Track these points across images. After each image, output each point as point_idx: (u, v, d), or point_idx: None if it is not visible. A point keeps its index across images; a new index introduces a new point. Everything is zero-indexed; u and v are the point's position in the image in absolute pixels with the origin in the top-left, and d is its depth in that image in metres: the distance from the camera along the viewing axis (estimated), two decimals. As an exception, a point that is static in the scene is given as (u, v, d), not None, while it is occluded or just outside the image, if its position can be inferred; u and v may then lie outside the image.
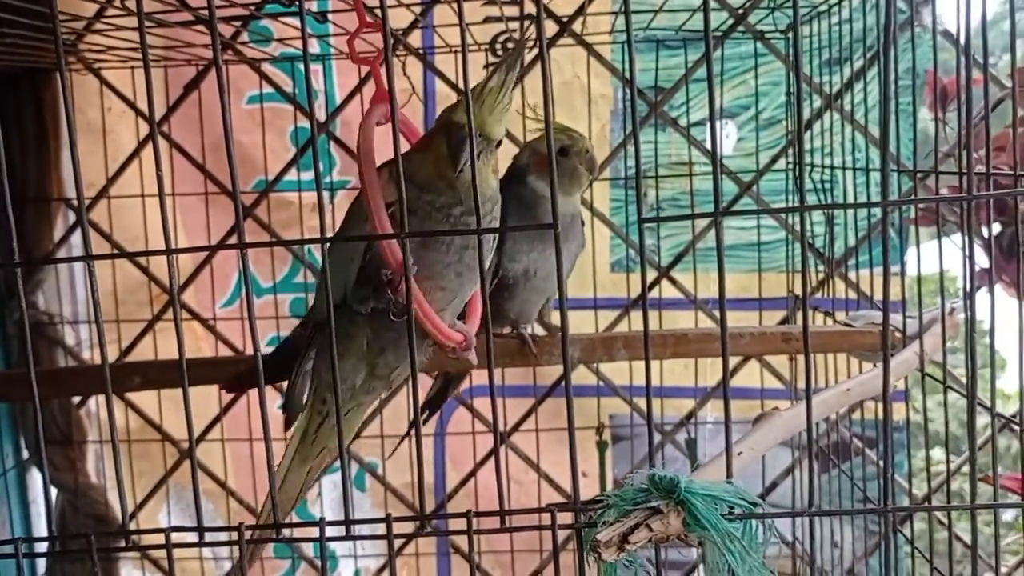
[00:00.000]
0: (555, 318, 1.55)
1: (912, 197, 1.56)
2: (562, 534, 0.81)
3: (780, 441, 0.91)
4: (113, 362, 1.91)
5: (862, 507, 1.76)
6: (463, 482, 2.08)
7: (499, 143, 0.94)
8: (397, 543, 0.77)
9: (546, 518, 0.80)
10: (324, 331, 0.97)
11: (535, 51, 1.83)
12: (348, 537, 0.79)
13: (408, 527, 0.79)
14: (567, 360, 0.79)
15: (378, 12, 0.76)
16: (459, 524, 0.79)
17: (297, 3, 1.50)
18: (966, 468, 1.19)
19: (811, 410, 0.74)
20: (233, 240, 1.88)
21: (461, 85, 1.45)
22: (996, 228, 1.83)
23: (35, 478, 2.10)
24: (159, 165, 0.75)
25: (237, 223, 0.75)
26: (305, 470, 1.09)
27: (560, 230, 1.22)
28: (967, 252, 0.77)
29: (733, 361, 1.94)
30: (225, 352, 2.01)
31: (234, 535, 0.78)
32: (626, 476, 0.78)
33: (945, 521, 1.61)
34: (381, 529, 0.79)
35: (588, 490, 2.15)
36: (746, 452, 0.86)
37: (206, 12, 1.55)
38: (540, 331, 1.51)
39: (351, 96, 1.96)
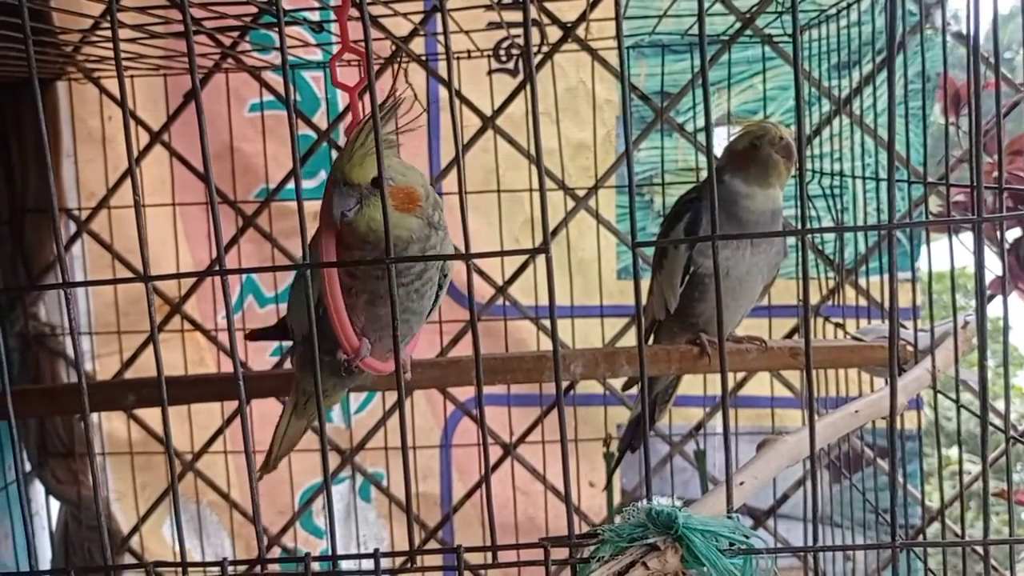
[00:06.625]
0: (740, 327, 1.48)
1: (919, 216, 1.52)
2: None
3: (785, 468, 0.88)
4: (112, 379, 1.90)
5: (874, 518, 1.73)
6: (468, 494, 2.06)
7: (379, 184, 0.91)
8: (398, 561, 0.76)
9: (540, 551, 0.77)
10: (302, 344, 1.16)
11: (539, 56, 1.80)
12: (333, 573, 0.77)
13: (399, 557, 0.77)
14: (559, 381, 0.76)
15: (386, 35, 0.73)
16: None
17: (286, 16, 1.47)
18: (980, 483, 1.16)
19: (815, 443, 0.71)
20: (231, 264, 1.85)
21: (463, 92, 1.44)
22: (1017, 233, 1.79)
23: (37, 491, 2.08)
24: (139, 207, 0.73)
25: (218, 253, 0.72)
26: (302, 424, 1.24)
27: (752, 227, 1.33)
28: (978, 275, 0.74)
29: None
30: (227, 362, 2.00)
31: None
32: (623, 508, 0.75)
33: (959, 530, 1.57)
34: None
35: (596, 500, 2.13)
36: (748, 482, 0.82)
37: (204, 23, 1.53)
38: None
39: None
